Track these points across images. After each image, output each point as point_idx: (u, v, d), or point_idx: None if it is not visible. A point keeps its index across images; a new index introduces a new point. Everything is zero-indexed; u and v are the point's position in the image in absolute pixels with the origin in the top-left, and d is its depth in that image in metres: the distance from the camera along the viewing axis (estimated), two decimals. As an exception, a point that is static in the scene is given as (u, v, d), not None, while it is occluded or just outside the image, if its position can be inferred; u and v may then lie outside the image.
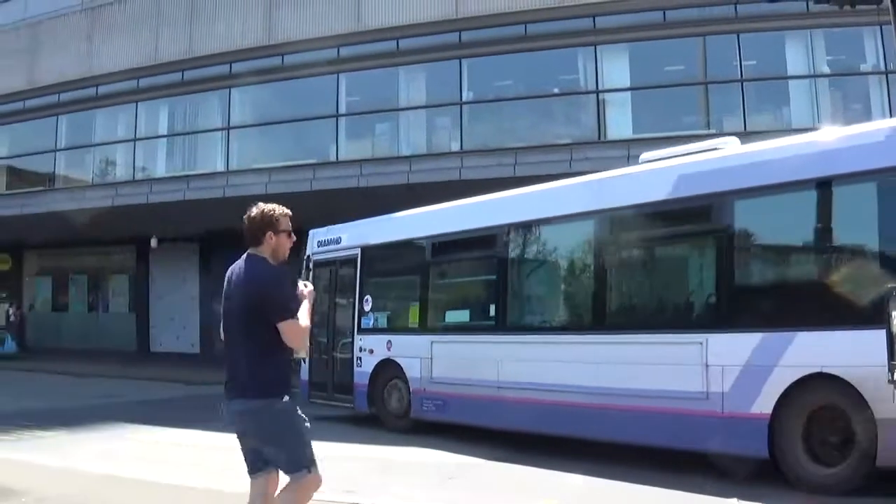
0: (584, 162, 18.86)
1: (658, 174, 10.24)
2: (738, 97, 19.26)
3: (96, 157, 28.81)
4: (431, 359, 13.04)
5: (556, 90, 21.76)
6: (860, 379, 7.80)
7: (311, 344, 14.13)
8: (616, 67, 20.71)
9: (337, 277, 15.45)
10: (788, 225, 9.26)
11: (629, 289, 11.25)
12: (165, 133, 27.39)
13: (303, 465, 5.10)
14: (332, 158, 23.52)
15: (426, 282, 13.73)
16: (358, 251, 14.78)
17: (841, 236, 8.74)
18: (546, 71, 21.71)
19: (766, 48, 19.56)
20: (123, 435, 13.58)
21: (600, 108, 20.64)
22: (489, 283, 12.67)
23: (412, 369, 13.30)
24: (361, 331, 14.57)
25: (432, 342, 13.10)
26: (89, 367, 27.06)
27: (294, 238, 5.36)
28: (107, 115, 28.21)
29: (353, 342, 14.69)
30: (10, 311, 34.64)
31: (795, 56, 19.54)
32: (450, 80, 22.08)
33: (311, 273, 15.41)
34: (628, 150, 18.71)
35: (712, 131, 19.18)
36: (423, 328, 13.51)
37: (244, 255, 5.27)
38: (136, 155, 27.37)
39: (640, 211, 10.40)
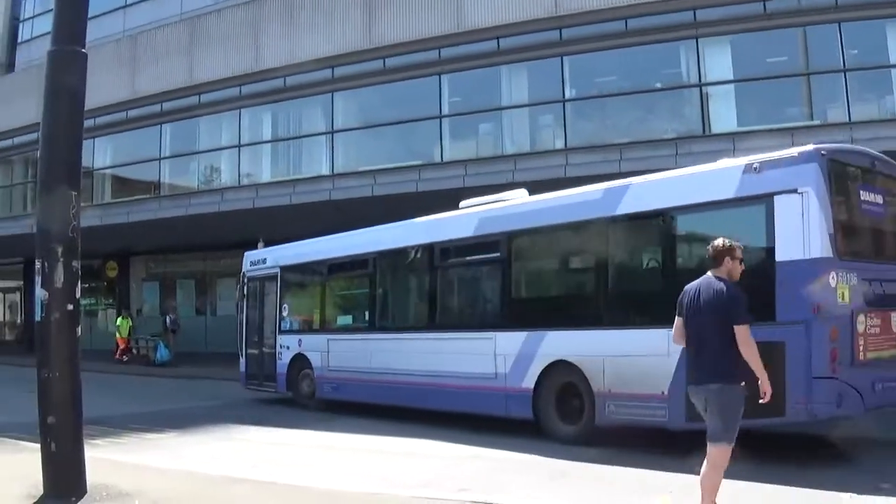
0: (689, 157, 19.88)
1: (468, 217, 15.00)
2: (840, 87, 20.08)
3: (201, 163, 31.10)
4: (328, 353, 17.97)
5: (658, 85, 22.79)
6: (584, 365, 12.28)
7: (246, 343, 21.02)
8: (718, 60, 21.61)
9: (264, 290, 20.68)
10: (544, 255, 14.41)
11: (450, 300, 16.20)
12: (270, 138, 29.46)
13: (726, 438, 7.20)
14: (437, 159, 25.15)
15: (324, 294, 19.15)
16: (278, 270, 20.01)
17: (573, 265, 14.02)
18: (648, 66, 22.68)
19: (868, 36, 20.22)
20: (234, 436, 14.64)
21: (704, 101, 21.64)
22: (364, 295, 17.89)
23: (316, 361, 18.23)
24: (281, 332, 19.69)
25: (328, 340, 18.14)
26: (203, 370, 28.85)
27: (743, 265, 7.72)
28: (210, 122, 30.44)
29: (275, 341, 19.78)
30: (168, 318, 35.35)
31: (897, 44, 20.34)
32: (552, 77, 23.29)
33: (245, 287, 21.14)
34: (733, 143, 19.84)
35: (816, 122, 20.22)
36: (322, 329, 18.60)
37: (706, 276, 7.48)
38: (241, 161, 29.48)
39: (456, 244, 15.26)
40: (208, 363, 30.79)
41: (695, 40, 21.57)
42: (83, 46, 8.82)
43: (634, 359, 11.54)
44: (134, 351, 33.46)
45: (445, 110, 25.17)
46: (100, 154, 33.10)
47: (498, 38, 23.84)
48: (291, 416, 16.60)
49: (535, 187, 20.97)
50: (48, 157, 8.73)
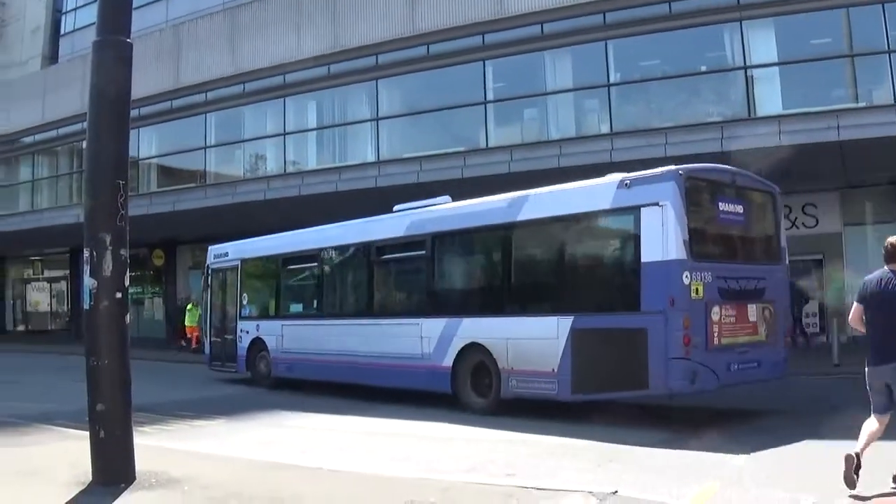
0: (735, 140, 20.54)
1: (399, 219, 17.65)
2: (885, 68, 20.48)
3: (247, 152, 32.16)
4: (282, 336, 20.63)
5: (703, 68, 23.26)
6: (492, 346, 14.83)
7: (210, 328, 23.86)
8: (762, 42, 22.04)
9: (226, 281, 23.47)
10: (460, 253, 17.12)
11: (384, 291, 18.91)
12: (315, 126, 30.43)
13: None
14: (482, 145, 25.90)
15: (278, 284, 21.77)
16: (238, 262, 22.76)
17: (483, 262, 16.64)
18: (692, 49, 23.15)
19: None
20: (281, 422, 15.07)
21: (749, 84, 22.13)
22: (312, 286, 20.59)
23: (271, 343, 20.91)
24: (241, 318, 22.38)
25: (282, 325, 20.77)
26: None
27: None
28: (255, 110, 31.45)
29: (236, 326, 22.44)
30: None
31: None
32: (596, 61, 23.88)
33: (209, 278, 23.81)
34: (779, 125, 20.45)
35: (861, 104, 20.68)
36: (276, 316, 21.28)
37: (883, 269, 8.52)
38: (287, 149, 30.53)
39: (389, 242, 17.86)
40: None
41: (739, 23, 22.00)
42: (128, 36, 9.00)
43: (531, 341, 14.18)
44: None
45: (490, 96, 25.88)
46: (145, 144, 34.27)
47: (541, 23, 24.47)
48: (336, 402, 17.13)
49: (580, 173, 21.70)
50: (95, 147, 8.94)
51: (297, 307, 21.16)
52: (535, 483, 8.63)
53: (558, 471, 9.71)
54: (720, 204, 13.57)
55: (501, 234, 15.44)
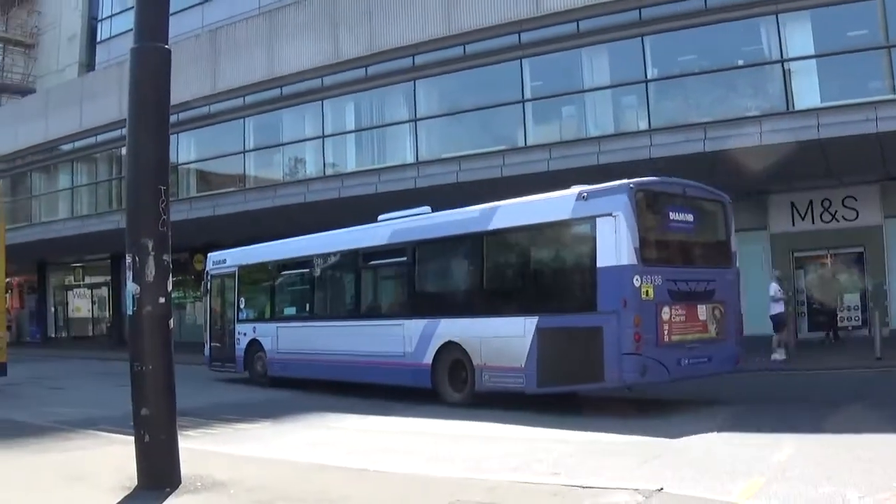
0: (774, 134, 20.94)
1: (383, 229, 19.48)
2: None
3: (286, 155, 32.84)
4: (277, 338, 22.32)
5: (740, 62, 23.59)
6: (467, 344, 16.51)
7: (210, 331, 25.58)
8: (799, 35, 22.34)
9: (224, 286, 25.23)
10: (438, 259, 18.71)
11: (370, 295, 20.79)
12: (353, 128, 31.05)
13: None
14: (521, 144, 26.38)
15: (273, 289, 23.54)
16: (236, 269, 24.59)
17: (458, 267, 18.26)
18: (729, 43, 23.48)
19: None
20: (326, 423, 15.32)
21: (786, 77, 22.43)
22: (304, 290, 22.39)
23: (267, 345, 22.59)
24: (239, 321, 24.03)
25: (277, 327, 22.49)
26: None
27: None
28: (293, 114, 32.20)
29: (234, 329, 24.11)
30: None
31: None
32: (633, 58, 24.31)
33: (209, 283, 25.65)
34: (817, 118, 20.78)
35: (897, 96, 20.95)
36: (272, 319, 23.01)
37: None
38: (326, 151, 31.18)
39: (374, 250, 19.61)
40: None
41: (775, 16, 22.28)
42: (166, 43, 9.10)
43: (501, 339, 15.80)
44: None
45: (528, 94, 26.30)
46: (184, 149, 34.98)
47: (577, 20, 24.87)
48: (379, 404, 17.51)
49: (620, 170, 22.11)
50: (136, 153, 9.02)
51: (290, 310, 22.96)
52: (581, 481, 8.74)
53: (602, 469, 9.82)
54: (671, 214, 15.23)
55: (474, 242, 17.19)
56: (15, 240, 35.17)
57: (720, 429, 12.38)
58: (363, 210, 29.00)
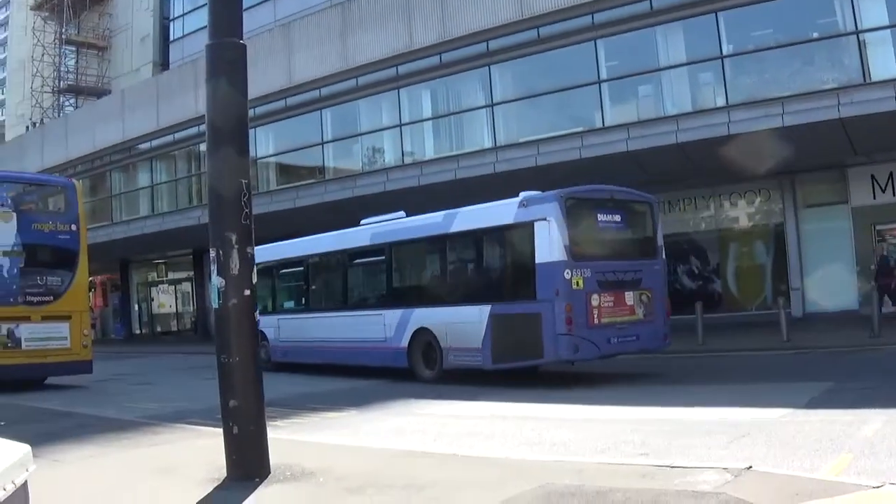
0: (851, 106, 21.45)
1: (365, 231, 22.73)
2: None
3: (364, 145, 34.02)
4: (279, 328, 25.29)
5: (815, 35, 24.00)
6: (436, 330, 19.60)
7: None
8: (874, 5, 22.67)
9: None
10: (411, 258, 22.22)
11: (356, 289, 23.98)
12: (430, 116, 32.10)
13: None
14: (599, 125, 27.09)
15: (273, 286, 26.27)
16: None
17: (427, 264, 21.77)
18: (803, 16, 23.95)
19: None
20: (412, 410, 15.77)
21: (862, 49, 22.75)
22: (300, 286, 25.85)
23: (270, 335, 25.34)
24: None
25: (278, 319, 25.38)
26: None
27: None
28: (369, 103, 33.33)
29: None
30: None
31: None
32: (708, 34, 24.85)
33: None
34: (895, 89, 21.16)
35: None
36: (273, 312, 25.68)
37: None
38: (403, 140, 32.27)
39: (358, 250, 22.96)
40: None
41: (849, -14, 22.80)
42: (240, 38, 9.31)
43: (462, 325, 18.91)
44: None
45: (603, 75, 26.99)
46: (262, 143, 36.22)
47: (650, -2, 25.63)
48: (464, 388, 17.99)
49: (698, 147, 22.81)
50: (216, 148, 9.23)
51: (289, 304, 26.38)
52: (669, 461, 8.92)
53: (691, 448, 10.02)
54: (599, 216, 18.28)
55: (438, 243, 20.58)
56: (97, 239, 37.28)
57: (807, 405, 12.69)
58: (442, 197, 30.02)
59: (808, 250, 29.01)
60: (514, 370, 18.68)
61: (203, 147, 37.18)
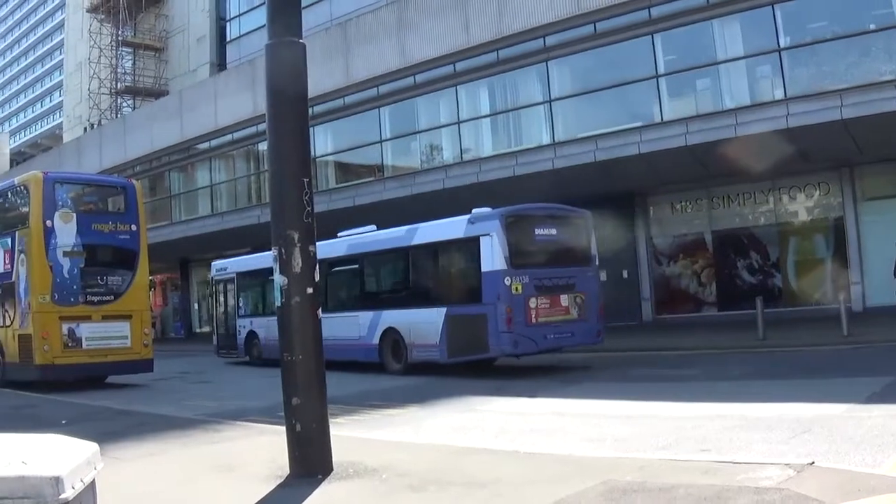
0: (911, 97, 21.75)
1: (341, 243, 25.68)
2: None
3: (422, 142, 34.80)
4: (269, 328, 27.51)
5: (871, 26, 24.18)
6: (401, 328, 22.94)
7: (217, 325, 34.02)
8: None
9: (226, 289, 32.99)
10: (379, 267, 25.69)
11: (335, 293, 26.20)
12: (488, 113, 32.74)
13: None
14: (657, 119, 27.59)
15: (263, 290, 29.70)
16: (234, 275, 32.12)
17: (393, 273, 25.30)
18: (860, 7, 24.25)
19: None
20: (473, 407, 16.04)
21: None
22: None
23: (261, 334, 29.38)
24: (239, 317, 31.44)
25: (268, 320, 27.09)
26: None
27: None
28: (427, 101, 34.16)
29: (236, 322, 31.45)
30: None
31: None
32: (765, 27, 25.22)
33: (214, 287, 34.02)
34: None
35: None
36: (264, 314, 28.81)
37: None
38: (462, 137, 33.01)
39: (336, 259, 25.26)
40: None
41: (906, -24, 23.12)
42: (299, 37, 9.51)
43: (423, 324, 22.13)
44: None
45: (661, 69, 27.53)
46: (321, 141, 37.04)
47: (707, -8, 26.14)
48: (526, 385, 18.56)
49: (757, 141, 23.16)
50: (278, 148, 9.48)
51: (269, 308, 27.98)
52: (730, 457, 9.14)
53: (752, 443, 10.18)
54: (537, 230, 21.47)
55: (402, 254, 23.99)
56: (156, 238, 38.29)
57: (868, 400, 12.80)
58: (501, 193, 30.68)
59: (868, 244, 29.15)
60: (470, 363, 21.64)
61: (262, 146, 38.78)
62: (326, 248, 25.41)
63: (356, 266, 25.62)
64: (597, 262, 22.53)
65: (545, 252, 21.55)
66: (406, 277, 24.38)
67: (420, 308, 22.55)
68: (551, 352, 21.48)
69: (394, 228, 24.01)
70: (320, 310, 9.53)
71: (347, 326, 24.28)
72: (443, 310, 21.61)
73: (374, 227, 25.57)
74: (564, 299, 21.02)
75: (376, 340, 23.77)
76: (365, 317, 24.34)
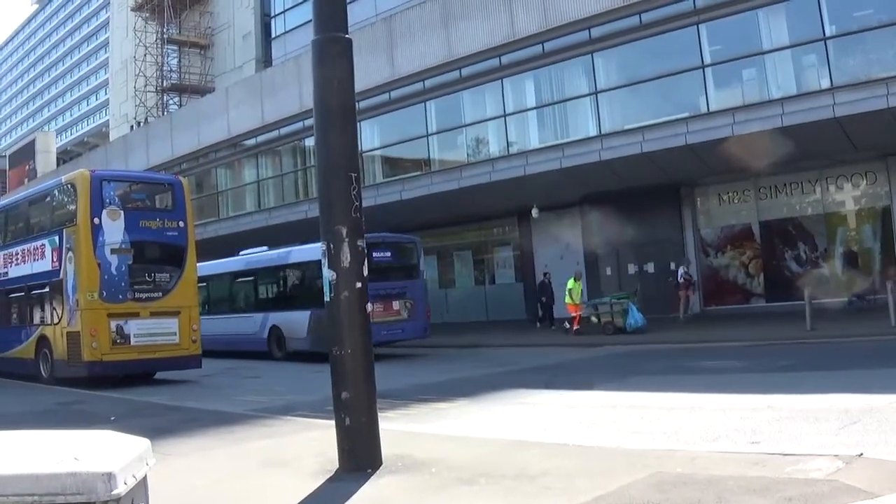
0: (957, 84, 22.04)
1: (242, 259, 34.14)
2: None
3: (468, 136, 35.43)
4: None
5: None
6: (282, 325, 30.26)
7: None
8: None
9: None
10: (266, 279, 32.67)
11: (238, 299, 34.04)
12: (534, 105, 33.25)
13: None
14: (703, 110, 27.94)
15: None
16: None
17: (276, 283, 32.36)
18: None
19: None
20: (522, 400, 16.12)
21: None
22: (209, 296, 34.19)
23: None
24: None
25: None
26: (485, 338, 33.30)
27: None
28: (473, 94, 34.71)
29: None
30: (682, 270, 32.81)
31: None
32: (810, 16, 25.49)
33: None
34: None
35: None
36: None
37: None
38: (508, 130, 33.51)
39: (238, 272, 33.98)
40: (489, 332, 35.12)
41: (954, -39, 23.37)
42: (345, 32, 9.61)
43: (296, 322, 28.94)
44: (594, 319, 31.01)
45: (707, 59, 27.88)
46: (367, 136, 37.58)
47: (753, -19, 26.51)
48: (575, 378, 18.67)
49: (803, 131, 23.49)
50: (325, 143, 9.54)
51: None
52: (780, 449, 9.16)
53: (802, 435, 10.24)
54: (374, 253, 25.79)
55: (283, 269, 31.40)
56: (204, 235, 39.45)
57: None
58: (547, 186, 31.41)
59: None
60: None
61: (308, 142, 39.67)
62: (232, 264, 34.41)
63: (252, 278, 33.00)
64: (424, 276, 30.75)
65: (380, 270, 25.96)
66: (285, 287, 31.69)
67: (294, 310, 29.25)
68: (385, 344, 26.98)
69: (276, 250, 31.57)
70: (368, 304, 9.54)
71: (246, 325, 31.61)
72: (307, 312, 27.94)
73: (265, 248, 32.78)
74: (397, 304, 28.02)
75: (265, 335, 30.85)
76: (258, 317, 31.44)
